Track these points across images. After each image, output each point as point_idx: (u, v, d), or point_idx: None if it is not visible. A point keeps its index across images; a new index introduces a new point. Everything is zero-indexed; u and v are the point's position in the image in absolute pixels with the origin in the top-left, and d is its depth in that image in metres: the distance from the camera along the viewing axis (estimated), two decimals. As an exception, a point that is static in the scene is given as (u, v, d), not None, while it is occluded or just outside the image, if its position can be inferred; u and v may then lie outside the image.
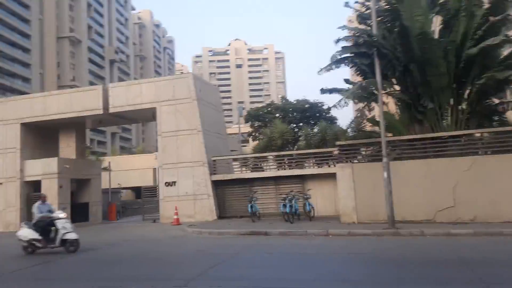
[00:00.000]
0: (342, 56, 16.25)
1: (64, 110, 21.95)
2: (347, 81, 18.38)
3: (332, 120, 32.04)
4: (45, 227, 11.87)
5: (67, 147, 23.74)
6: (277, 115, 29.96)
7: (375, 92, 15.36)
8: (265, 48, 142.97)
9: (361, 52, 15.32)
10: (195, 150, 20.10)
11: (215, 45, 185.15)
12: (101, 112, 21.41)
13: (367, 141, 16.69)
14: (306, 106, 30.16)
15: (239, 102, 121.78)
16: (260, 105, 40.19)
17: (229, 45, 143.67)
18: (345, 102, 15.85)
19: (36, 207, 12.18)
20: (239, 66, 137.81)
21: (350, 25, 18.40)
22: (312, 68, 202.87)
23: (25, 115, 22.41)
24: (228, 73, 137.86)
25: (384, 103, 17.06)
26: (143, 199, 22.10)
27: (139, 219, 26.82)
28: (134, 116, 23.19)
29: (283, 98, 31.69)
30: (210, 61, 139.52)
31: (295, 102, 31.31)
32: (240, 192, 19.90)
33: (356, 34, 16.24)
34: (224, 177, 19.98)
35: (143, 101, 21.02)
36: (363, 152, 17.04)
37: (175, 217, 18.78)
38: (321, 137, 19.72)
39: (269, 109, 31.16)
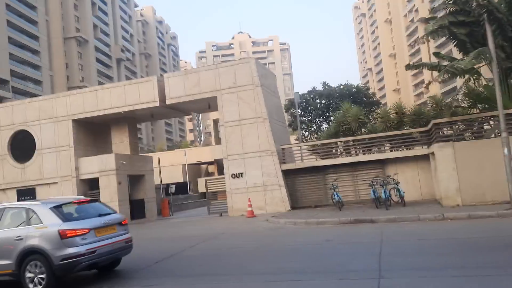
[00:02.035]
0: (437, 26, 15.12)
1: (117, 104, 21.09)
2: (436, 54, 17.42)
3: (379, 104, 31.37)
4: None
5: (121, 143, 22.88)
6: (324, 101, 29.19)
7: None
8: (270, 40, 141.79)
9: (459, 22, 14.34)
10: (262, 139, 19.29)
11: (219, 39, 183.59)
12: (157, 104, 20.56)
13: (471, 117, 15.26)
14: (353, 90, 29.41)
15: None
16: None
17: (232, 38, 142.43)
18: (447, 76, 14.63)
19: None
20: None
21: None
22: (319, 57, 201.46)
23: (76, 111, 21.54)
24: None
25: (480, 75, 16.04)
26: (208, 192, 21.25)
27: (195, 213, 26.12)
28: (189, 107, 22.31)
29: (325, 83, 30.84)
30: (214, 56, 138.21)
31: (337, 87, 30.56)
32: (313, 181, 19.13)
33: (449, 2, 15.07)
34: (295, 165, 19.19)
35: (202, 90, 20.17)
36: (457, 130, 15.65)
37: (249, 209, 18.01)
38: (398, 117, 18.65)
39: (312, 96, 30.33)
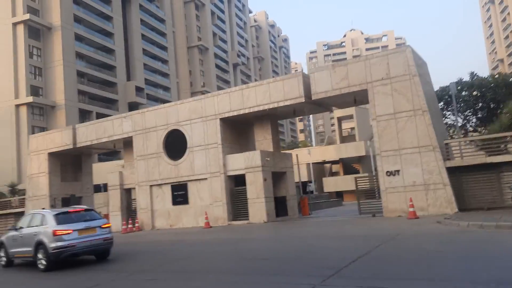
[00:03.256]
0: None
1: (262, 101, 21.25)
2: None
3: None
4: None
5: (264, 140, 23.11)
6: (474, 92, 26.09)
7: None
8: (384, 36, 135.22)
9: None
10: (421, 133, 17.60)
11: (330, 38, 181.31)
12: (302, 100, 20.19)
13: None
14: (510, 80, 25.79)
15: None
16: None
17: (344, 36, 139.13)
18: None
19: None
20: (356, 57, 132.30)
21: None
22: (439, 50, 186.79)
23: (223, 110, 22.27)
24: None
25: None
26: (358, 191, 20.21)
27: (334, 212, 25.34)
28: (334, 102, 21.60)
29: (473, 74, 27.56)
30: (326, 55, 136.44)
31: (489, 77, 27.13)
32: (485, 179, 16.85)
33: None
34: (463, 162, 17.09)
35: (351, 83, 19.21)
36: None
37: (411, 210, 16.48)
38: None
39: (458, 87, 27.31)
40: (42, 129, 52.26)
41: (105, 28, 64.11)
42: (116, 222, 25.22)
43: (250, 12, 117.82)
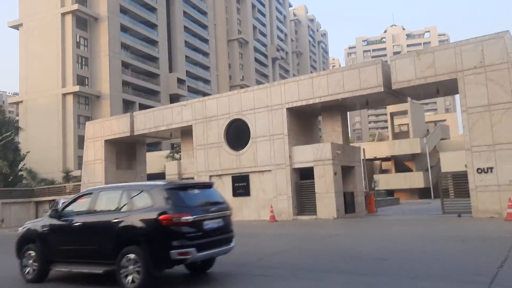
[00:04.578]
0: None
1: (334, 91, 19.98)
2: None
3: None
4: None
5: (332, 132, 21.86)
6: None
7: None
8: (427, 32, 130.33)
9: None
10: (520, 127, 15.92)
11: (369, 33, 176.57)
12: (381, 89, 18.80)
13: None
14: None
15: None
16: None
17: (384, 32, 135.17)
18: None
19: None
20: (396, 53, 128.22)
21: None
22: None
23: (290, 100, 21.14)
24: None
25: None
26: (442, 189, 18.62)
27: (398, 211, 23.92)
28: (414, 92, 20.05)
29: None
30: (365, 51, 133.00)
31: None
32: None
33: None
34: None
35: (438, 72, 17.65)
36: None
37: (510, 210, 14.86)
38: None
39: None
40: (87, 118, 52.72)
41: (149, 20, 64.18)
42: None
43: (290, 5, 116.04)
